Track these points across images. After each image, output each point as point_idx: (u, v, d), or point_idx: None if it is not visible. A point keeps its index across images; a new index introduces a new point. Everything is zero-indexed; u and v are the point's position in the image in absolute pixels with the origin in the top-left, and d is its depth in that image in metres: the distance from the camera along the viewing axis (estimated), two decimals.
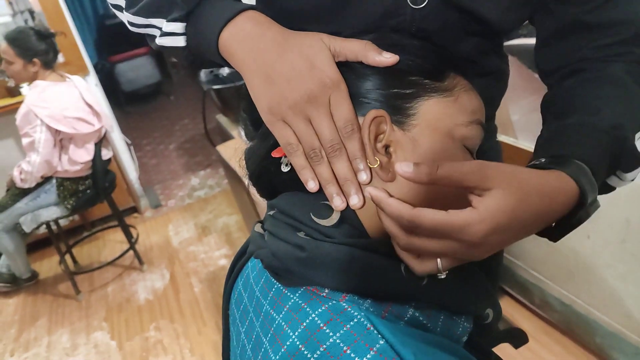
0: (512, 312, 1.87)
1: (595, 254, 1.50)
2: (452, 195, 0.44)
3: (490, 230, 0.41)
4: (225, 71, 2.38)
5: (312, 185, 0.50)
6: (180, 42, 0.57)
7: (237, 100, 2.23)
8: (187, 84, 6.31)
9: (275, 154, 0.51)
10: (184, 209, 3.35)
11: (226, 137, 2.34)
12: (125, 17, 0.63)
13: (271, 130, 0.50)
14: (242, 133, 0.62)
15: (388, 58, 0.49)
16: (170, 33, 0.57)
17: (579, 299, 1.66)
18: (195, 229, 3.06)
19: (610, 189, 0.56)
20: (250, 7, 0.54)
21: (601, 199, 0.50)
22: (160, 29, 0.58)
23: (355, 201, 0.48)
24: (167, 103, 5.92)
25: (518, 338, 1.45)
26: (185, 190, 3.64)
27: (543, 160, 0.49)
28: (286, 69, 0.49)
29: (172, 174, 3.97)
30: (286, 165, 0.52)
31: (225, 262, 2.63)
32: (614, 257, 1.44)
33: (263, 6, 0.61)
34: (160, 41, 0.58)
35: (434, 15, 0.57)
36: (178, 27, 0.56)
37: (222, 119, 2.50)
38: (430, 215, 0.41)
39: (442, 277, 0.45)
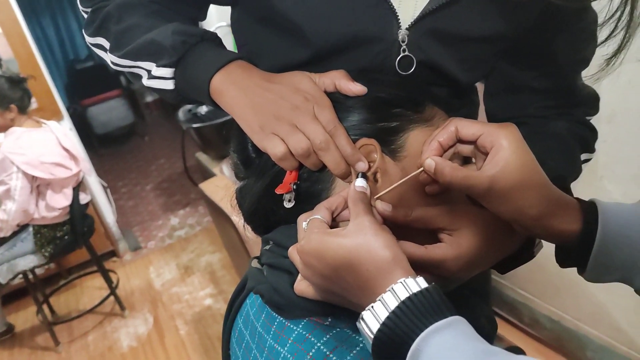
0: (503, 332, 1.87)
1: None
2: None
3: (463, 265, 0.47)
4: (203, 109, 2.38)
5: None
6: (169, 85, 0.60)
7: (218, 138, 2.23)
8: (161, 124, 6.29)
9: (279, 190, 0.51)
10: (165, 250, 3.28)
11: (207, 174, 2.33)
12: (109, 57, 0.65)
13: (264, 148, 0.52)
14: (229, 173, 0.62)
15: (357, 87, 0.52)
16: (159, 77, 0.60)
17: (567, 315, 1.68)
18: (178, 269, 3.00)
19: None
20: (239, 57, 0.58)
21: None
22: (148, 71, 0.61)
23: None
24: (141, 144, 5.87)
25: None
26: (165, 230, 3.58)
27: None
28: (273, 95, 0.52)
29: (150, 215, 3.90)
30: (289, 201, 0.52)
31: (211, 302, 2.57)
32: None
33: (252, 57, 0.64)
34: (148, 83, 0.61)
35: (414, 76, 0.62)
36: (167, 72, 0.59)
37: (202, 156, 2.49)
38: (411, 250, 0.46)
39: None
